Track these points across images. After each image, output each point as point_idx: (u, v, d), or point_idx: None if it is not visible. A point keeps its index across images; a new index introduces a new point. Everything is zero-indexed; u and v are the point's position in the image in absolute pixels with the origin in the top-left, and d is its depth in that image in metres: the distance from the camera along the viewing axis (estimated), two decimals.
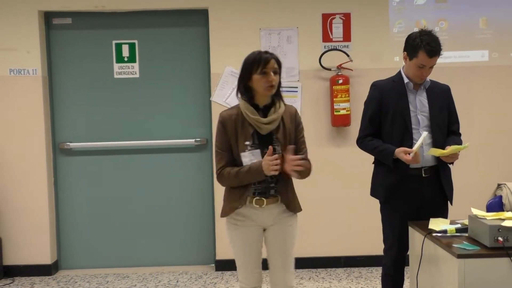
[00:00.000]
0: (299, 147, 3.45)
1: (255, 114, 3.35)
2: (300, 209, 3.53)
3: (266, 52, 3.38)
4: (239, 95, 3.43)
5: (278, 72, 3.37)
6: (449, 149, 3.63)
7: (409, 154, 3.63)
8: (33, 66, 5.64)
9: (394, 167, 3.76)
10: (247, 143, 3.35)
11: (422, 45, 3.68)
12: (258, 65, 3.33)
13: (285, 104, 3.46)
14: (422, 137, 3.62)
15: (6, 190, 5.68)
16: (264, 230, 3.49)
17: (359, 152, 4.02)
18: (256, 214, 3.42)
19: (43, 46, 5.70)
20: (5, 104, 5.66)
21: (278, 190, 3.42)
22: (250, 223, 3.44)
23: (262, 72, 3.32)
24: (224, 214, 3.50)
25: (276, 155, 3.26)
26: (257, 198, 3.40)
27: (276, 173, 3.27)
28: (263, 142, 3.36)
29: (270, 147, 3.27)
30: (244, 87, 3.40)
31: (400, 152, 3.67)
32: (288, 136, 3.41)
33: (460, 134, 3.98)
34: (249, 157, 3.33)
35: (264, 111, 3.39)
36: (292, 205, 3.48)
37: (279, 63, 3.37)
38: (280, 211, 3.46)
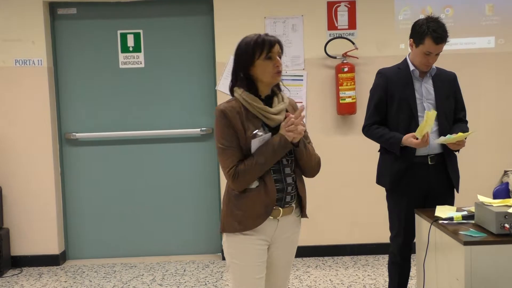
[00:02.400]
0: (305, 141, 3.02)
1: (261, 104, 2.88)
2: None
3: (267, 35, 2.92)
4: (235, 86, 2.93)
5: (281, 57, 2.93)
6: (455, 136, 3.62)
7: (417, 138, 3.62)
8: (38, 56, 5.64)
9: (400, 155, 3.75)
10: (257, 131, 2.85)
11: (429, 31, 3.65)
12: (262, 49, 2.86)
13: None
14: (426, 117, 3.59)
15: (13, 181, 5.70)
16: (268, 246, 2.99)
17: (365, 140, 4.02)
18: (269, 226, 2.91)
19: (48, 36, 5.70)
20: (11, 94, 5.67)
21: (296, 193, 2.97)
22: (261, 237, 2.91)
23: (267, 57, 2.87)
24: (240, 228, 2.87)
25: (296, 117, 2.81)
26: (274, 207, 2.89)
27: (301, 135, 2.83)
28: (273, 135, 2.87)
29: (288, 113, 2.87)
30: (245, 76, 2.90)
31: (409, 138, 3.65)
32: None
33: (466, 122, 3.97)
34: (257, 144, 2.84)
35: (267, 102, 2.91)
36: (305, 210, 3.06)
37: (282, 48, 2.94)
38: (292, 220, 3.01)
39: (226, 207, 2.93)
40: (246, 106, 2.87)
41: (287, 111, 2.96)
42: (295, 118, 2.81)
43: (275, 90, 2.98)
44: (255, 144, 2.83)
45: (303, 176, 3.03)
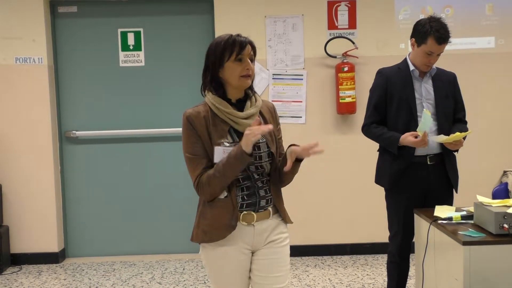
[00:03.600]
0: (280, 149, 2.89)
1: (230, 108, 2.71)
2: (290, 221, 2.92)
3: (239, 35, 2.73)
4: (205, 89, 2.79)
5: (253, 59, 2.75)
6: (452, 136, 3.61)
7: (415, 137, 3.63)
8: (38, 54, 5.64)
9: (399, 154, 3.76)
10: (223, 140, 2.69)
11: (432, 31, 3.65)
12: (231, 50, 2.68)
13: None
14: (424, 117, 3.59)
15: (13, 179, 5.70)
16: (252, 254, 2.82)
17: (364, 139, 4.02)
18: (245, 234, 2.75)
19: (48, 34, 5.70)
20: (11, 92, 5.67)
21: (271, 198, 2.81)
22: (238, 246, 2.76)
23: (237, 59, 2.69)
24: (206, 239, 2.75)
25: (259, 120, 2.65)
26: (245, 212, 2.74)
27: (257, 138, 2.57)
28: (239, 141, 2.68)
29: (257, 118, 2.68)
30: (213, 79, 2.74)
31: (407, 137, 3.66)
32: (272, 133, 2.81)
33: (466, 122, 3.97)
34: (221, 154, 2.67)
35: (238, 106, 2.75)
36: (286, 215, 2.88)
37: (254, 50, 2.74)
38: (274, 225, 2.83)
39: (197, 216, 2.82)
40: (214, 110, 2.72)
41: (262, 113, 2.82)
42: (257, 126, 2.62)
43: (249, 93, 2.80)
44: (218, 152, 2.67)
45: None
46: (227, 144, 2.68)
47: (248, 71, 2.71)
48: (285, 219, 2.86)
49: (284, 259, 2.85)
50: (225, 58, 2.69)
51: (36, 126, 5.68)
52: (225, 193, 2.72)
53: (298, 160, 2.75)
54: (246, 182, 2.75)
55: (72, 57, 5.84)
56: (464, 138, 3.71)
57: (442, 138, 3.64)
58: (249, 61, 2.72)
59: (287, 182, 2.88)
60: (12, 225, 5.72)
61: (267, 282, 2.80)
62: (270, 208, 2.80)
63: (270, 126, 2.63)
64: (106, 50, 5.82)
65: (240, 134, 2.69)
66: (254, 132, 2.56)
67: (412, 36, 3.80)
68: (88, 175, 5.92)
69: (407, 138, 3.66)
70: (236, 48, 2.69)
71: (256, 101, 2.80)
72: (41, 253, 5.76)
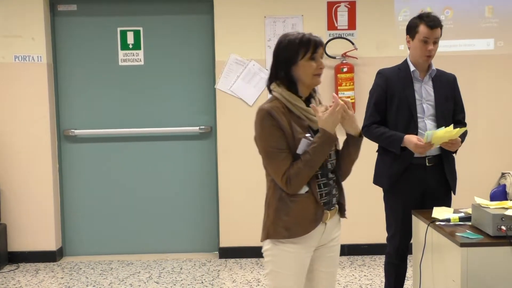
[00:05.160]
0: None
1: (304, 105, 2.77)
2: None
3: (311, 34, 2.78)
4: (274, 85, 2.80)
5: (322, 58, 2.81)
6: (441, 130, 3.58)
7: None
8: (38, 53, 5.64)
9: (398, 155, 3.76)
10: (308, 135, 2.72)
11: (422, 19, 3.73)
12: (307, 48, 2.72)
13: None
14: (427, 134, 3.59)
15: (11, 177, 5.70)
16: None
17: (364, 140, 4.00)
18: (317, 232, 2.80)
19: (48, 33, 5.70)
20: (10, 90, 5.67)
21: (337, 195, 2.91)
22: (309, 244, 2.81)
23: (311, 58, 2.73)
24: (287, 235, 2.74)
25: (341, 103, 2.70)
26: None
27: (339, 119, 2.70)
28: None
29: (312, 105, 2.75)
30: (286, 75, 2.76)
31: (412, 138, 3.64)
32: None
33: (465, 124, 3.97)
34: (305, 147, 2.70)
35: (306, 104, 2.80)
36: (346, 210, 2.99)
37: (324, 49, 2.83)
38: (336, 221, 2.95)
39: (273, 213, 2.77)
40: (289, 106, 2.74)
41: None
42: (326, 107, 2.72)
43: (312, 93, 2.87)
44: (303, 144, 2.70)
45: None
46: (311, 139, 2.72)
47: (321, 70, 2.76)
48: (343, 214, 2.96)
49: (338, 255, 2.99)
50: (300, 56, 2.73)
51: (35, 124, 5.68)
52: (306, 188, 2.74)
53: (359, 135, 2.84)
54: (323, 178, 2.80)
55: (71, 55, 5.83)
56: (463, 140, 3.72)
57: (438, 133, 3.58)
58: (321, 60, 2.76)
59: (346, 173, 2.94)
60: (10, 223, 5.71)
61: (327, 277, 2.92)
62: (336, 205, 2.91)
63: (341, 103, 2.68)
64: (105, 49, 5.82)
65: (314, 131, 2.75)
66: (335, 114, 2.66)
67: (406, 34, 3.84)
68: (86, 173, 5.91)
69: (412, 139, 3.65)
70: (311, 47, 2.73)
71: (320, 101, 2.87)
72: (39, 252, 5.76)
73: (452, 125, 3.59)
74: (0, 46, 5.64)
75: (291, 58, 2.74)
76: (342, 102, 2.70)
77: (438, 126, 3.76)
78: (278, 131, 2.69)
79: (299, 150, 2.70)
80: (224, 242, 5.78)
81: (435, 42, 3.74)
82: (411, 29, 3.78)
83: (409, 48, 3.85)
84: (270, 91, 2.84)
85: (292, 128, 2.70)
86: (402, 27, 5.59)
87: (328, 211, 2.82)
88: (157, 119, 5.87)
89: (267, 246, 2.83)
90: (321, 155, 2.70)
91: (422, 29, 3.70)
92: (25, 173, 5.70)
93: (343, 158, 2.87)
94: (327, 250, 2.90)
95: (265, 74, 5.62)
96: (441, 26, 3.75)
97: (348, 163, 2.90)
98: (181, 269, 5.54)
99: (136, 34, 5.81)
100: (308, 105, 2.79)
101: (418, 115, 3.78)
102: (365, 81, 5.16)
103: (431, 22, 3.70)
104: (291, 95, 2.75)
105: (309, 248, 2.81)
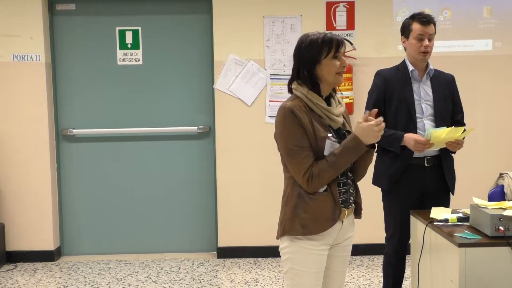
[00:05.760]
0: None
1: (325, 104, 2.79)
2: None
3: (332, 33, 2.82)
4: (295, 84, 2.83)
5: None
6: (441, 130, 3.58)
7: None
8: (36, 52, 5.63)
9: (397, 156, 3.76)
10: (330, 135, 2.77)
11: (414, 18, 3.78)
12: (330, 47, 2.75)
13: None
14: (427, 132, 3.60)
15: (9, 176, 5.70)
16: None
17: None
18: (334, 229, 2.83)
19: (46, 32, 5.69)
20: (8, 90, 5.66)
21: (354, 194, 2.93)
22: (326, 241, 2.83)
23: (334, 57, 2.76)
24: (304, 232, 2.76)
25: (379, 119, 2.73)
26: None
27: (381, 134, 2.74)
28: (336, 137, 2.82)
29: (375, 110, 2.81)
30: (309, 74, 2.79)
31: (412, 136, 3.65)
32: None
33: (464, 124, 3.97)
34: (329, 147, 2.75)
35: (327, 103, 2.84)
36: (361, 210, 3.01)
37: (345, 48, 2.85)
38: (352, 220, 2.98)
39: (291, 209, 2.78)
40: (310, 105, 2.77)
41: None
42: (379, 123, 2.73)
43: (331, 92, 2.89)
44: (328, 146, 2.73)
45: None
46: (334, 139, 2.77)
47: (344, 69, 2.79)
48: (359, 214, 2.97)
49: (349, 255, 3.02)
50: (323, 55, 2.75)
51: (33, 123, 5.68)
52: (325, 186, 2.76)
53: (371, 147, 2.84)
54: (342, 178, 2.83)
55: (70, 55, 5.83)
56: (463, 139, 3.72)
57: (439, 131, 3.58)
58: (344, 59, 2.80)
59: (361, 175, 2.96)
60: (8, 222, 5.71)
61: (338, 277, 2.96)
62: (353, 205, 2.92)
63: (382, 124, 2.72)
64: (104, 48, 5.81)
65: (333, 131, 2.80)
66: (380, 127, 2.70)
67: (401, 35, 3.87)
68: (84, 173, 5.91)
69: (412, 136, 3.65)
70: (334, 46, 2.76)
71: (339, 101, 2.90)
72: (37, 251, 5.75)
73: (452, 127, 3.58)
74: None
75: (315, 57, 2.76)
76: (382, 123, 2.74)
77: (437, 126, 3.77)
78: (300, 129, 2.71)
79: (326, 152, 2.73)
80: (223, 242, 5.78)
81: (430, 39, 3.76)
82: (405, 29, 3.82)
83: (405, 48, 3.87)
84: (290, 90, 2.86)
85: (313, 126, 2.73)
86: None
87: (345, 209, 2.85)
88: (155, 119, 5.87)
89: (284, 243, 2.83)
90: (348, 160, 2.75)
91: (415, 26, 3.75)
92: (23, 173, 5.70)
93: (359, 162, 2.88)
94: (341, 249, 2.93)
95: (264, 74, 5.66)
96: (434, 23, 3.79)
97: (363, 167, 2.92)
98: (179, 268, 5.54)
99: (135, 33, 5.81)
100: (328, 104, 2.82)
101: (417, 115, 3.79)
102: (364, 81, 5.17)
103: (423, 18, 3.74)
104: (312, 94, 2.78)
105: (326, 246, 2.83)
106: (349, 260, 3.04)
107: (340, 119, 2.84)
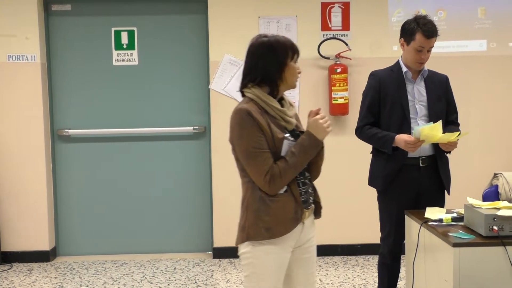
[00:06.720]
0: None
1: (280, 106, 2.80)
2: None
3: (284, 37, 2.88)
4: (248, 87, 2.82)
5: None
6: (431, 125, 3.57)
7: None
8: (32, 52, 5.63)
9: (392, 156, 3.77)
10: (287, 135, 2.77)
11: (419, 27, 3.70)
12: (293, 51, 2.80)
13: None
14: (415, 131, 3.61)
15: (4, 177, 5.69)
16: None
17: (357, 141, 4.03)
18: (296, 231, 2.81)
19: (42, 32, 5.69)
20: (4, 90, 5.66)
21: (314, 193, 2.95)
22: (288, 243, 2.81)
23: (295, 61, 2.82)
24: (268, 235, 2.73)
25: (323, 114, 2.81)
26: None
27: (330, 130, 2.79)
28: (292, 138, 2.82)
29: (318, 108, 2.87)
30: (268, 77, 2.77)
31: (403, 136, 3.65)
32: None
33: (458, 124, 4.00)
34: (287, 148, 2.75)
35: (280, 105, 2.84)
36: (321, 209, 3.00)
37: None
38: (311, 221, 2.97)
39: (253, 214, 2.76)
40: (265, 107, 2.76)
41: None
42: (323, 116, 2.78)
43: (282, 95, 2.90)
44: (285, 146, 2.73)
45: None
46: (291, 139, 2.77)
47: (299, 74, 2.85)
48: (319, 213, 2.98)
49: (315, 255, 3.01)
50: (289, 58, 2.78)
51: (29, 124, 5.67)
52: (285, 187, 2.76)
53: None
54: (301, 177, 2.82)
55: (66, 55, 5.83)
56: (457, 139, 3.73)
57: (426, 129, 3.58)
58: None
59: (316, 175, 2.96)
60: (3, 223, 5.70)
61: (305, 279, 2.94)
62: (313, 205, 2.92)
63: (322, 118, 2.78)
64: (100, 49, 5.81)
65: (289, 132, 2.80)
66: (328, 124, 2.76)
67: (400, 37, 3.84)
68: (80, 173, 5.91)
69: (402, 137, 3.67)
70: (296, 50, 2.82)
71: (290, 103, 2.91)
72: (32, 252, 5.75)
73: (440, 122, 3.58)
74: None
75: (282, 60, 2.77)
76: (326, 117, 2.81)
77: None
78: (258, 131, 2.70)
79: (283, 152, 2.73)
80: (218, 242, 5.78)
81: (429, 50, 3.76)
82: (407, 34, 3.76)
83: (402, 49, 3.86)
84: (242, 93, 2.85)
85: (271, 128, 2.72)
86: (395, 28, 5.61)
87: (306, 210, 2.84)
88: (151, 119, 5.88)
89: (245, 248, 2.81)
90: (307, 158, 2.77)
91: (419, 38, 3.69)
92: (19, 173, 5.69)
93: (312, 162, 2.88)
94: (303, 251, 2.92)
95: None
96: (437, 35, 3.74)
97: (316, 167, 2.93)
98: (175, 269, 5.54)
99: (130, 34, 5.82)
100: (282, 106, 2.83)
101: (411, 115, 3.80)
102: (359, 82, 5.18)
103: (428, 32, 3.68)
104: (267, 96, 2.77)
105: (288, 248, 2.81)
106: (316, 261, 3.02)
107: (294, 121, 2.85)
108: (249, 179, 2.78)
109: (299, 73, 2.83)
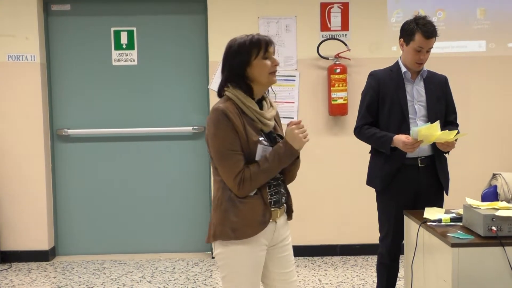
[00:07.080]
0: None
1: (257, 107, 2.77)
2: None
3: (259, 35, 2.81)
4: (228, 86, 2.79)
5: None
6: (429, 126, 3.58)
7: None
8: (31, 52, 5.64)
9: (390, 156, 3.77)
10: (261, 138, 2.75)
11: (419, 27, 3.71)
12: (259, 48, 2.74)
13: None
14: (412, 131, 3.62)
15: (3, 176, 5.70)
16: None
17: (356, 141, 4.04)
18: (268, 230, 2.81)
19: (41, 32, 5.70)
20: (3, 90, 5.66)
21: (286, 196, 2.93)
22: (261, 242, 2.80)
23: (264, 57, 2.75)
24: (234, 236, 2.72)
25: (301, 124, 2.77)
26: (272, 209, 2.81)
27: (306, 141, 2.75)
28: (268, 141, 2.80)
29: (299, 119, 2.82)
30: (241, 78, 2.76)
31: (401, 137, 3.66)
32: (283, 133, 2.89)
33: (457, 125, 4.00)
34: (261, 152, 2.73)
35: (259, 106, 2.82)
36: (292, 212, 3.00)
37: (274, 48, 2.83)
38: (284, 220, 2.95)
39: (221, 213, 2.75)
40: (242, 108, 2.74)
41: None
42: (301, 126, 2.76)
43: (264, 95, 2.87)
44: (259, 150, 2.72)
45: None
46: (265, 143, 2.75)
47: (275, 67, 2.78)
48: (290, 215, 2.97)
49: (291, 254, 2.98)
50: (253, 56, 2.74)
51: (28, 123, 5.68)
52: (255, 190, 2.75)
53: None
54: (272, 180, 2.81)
55: (65, 55, 5.83)
56: (455, 140, 3.73)
57: (423, 129, 3.58)
58: (274, 57, 2.79)
59: (291, 179, 2.95)
60: (2, 222, 5.71)
61: (284, 278, 2.93)
62: (285, 205, 2.91)
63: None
64: (99, 49, 5.82)
65: (266, 135, 2.79)
66: (304, 135, 2.74)
67: (400, 37, 3.84)
68: (79, 173, 5.91)
69: (400, 138, 3.68)
70: (262, 46, 2.75)
71: (271, 104, 2.88)
72: (31, 251, 5.75)
73: (437, 122, 3.59)
74: None
75: (245, 60, 2.75)
76: (304, 127, 2.77)
77: None
78: (233, 133, 2.68)
79: (257, 156, 2.72)
80: None
81: (428, 51, 3.77)
82: (407, 34, 3.77)
83: (402, 49, 3.87)
84: (220, 95, 2.84)
85: (246, 130, 2.71)
86: (395, 29, 5.62)
87: (278, 209, 2.84)
88: (150, 119, 5.88)
89: (218, 249, 2.81)
90: (280, 165, 2.75)
91: (418, 38, 3.70)
92: (18, 173, 5.70)
93: (288, 168, 2.86)
94: (279, 250, 2.91)
95: None
96: (436, 36, 3.75)
97: (292, 173, 2.92)
98: (174, 268, 5.55)
99: (130, 34, 5.82)
100: (261, 108, 2.81)
101: (410, 116, 3.80)
102: (358, 82, 5.18)
103: (428, 32, 3.69)
104: (245, 96, 2.75)
105: (261, 246, 2.80)
106: (294, 259, 3.00)
107: (272, 123, 2.82)
108: (221, 178, 2.77)
109: (276, 65, 2.78)
